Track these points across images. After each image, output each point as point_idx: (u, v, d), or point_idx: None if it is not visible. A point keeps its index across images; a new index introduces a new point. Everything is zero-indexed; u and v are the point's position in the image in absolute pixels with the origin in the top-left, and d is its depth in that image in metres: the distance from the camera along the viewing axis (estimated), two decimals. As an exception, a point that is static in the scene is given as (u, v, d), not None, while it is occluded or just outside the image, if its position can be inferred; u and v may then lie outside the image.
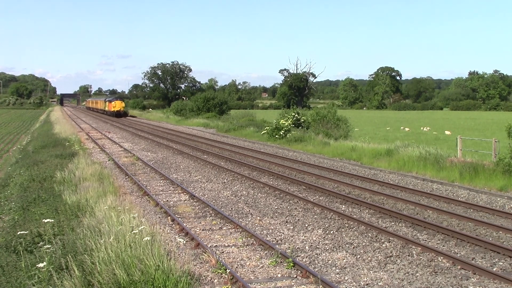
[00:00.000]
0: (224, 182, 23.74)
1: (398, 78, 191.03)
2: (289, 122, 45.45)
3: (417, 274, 11.78)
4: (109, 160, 31.82)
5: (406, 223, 16.13)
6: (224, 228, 15.91)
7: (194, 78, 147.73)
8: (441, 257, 12.78)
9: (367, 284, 11.22)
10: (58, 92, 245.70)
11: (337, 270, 12.09)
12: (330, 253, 13.41)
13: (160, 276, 9.91)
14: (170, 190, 22.08)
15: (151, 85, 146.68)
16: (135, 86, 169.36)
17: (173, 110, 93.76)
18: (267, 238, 14.61)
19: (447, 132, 55.19)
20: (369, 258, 12.92)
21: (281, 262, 12.44)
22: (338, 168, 27.92)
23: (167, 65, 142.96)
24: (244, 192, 21.39)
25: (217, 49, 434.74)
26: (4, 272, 10.84)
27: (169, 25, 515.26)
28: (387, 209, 17.50)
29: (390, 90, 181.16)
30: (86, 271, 10.35)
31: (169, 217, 17.05)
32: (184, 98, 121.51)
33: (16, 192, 20.78)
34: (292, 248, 13.62)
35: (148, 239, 10.96)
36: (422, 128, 64.89)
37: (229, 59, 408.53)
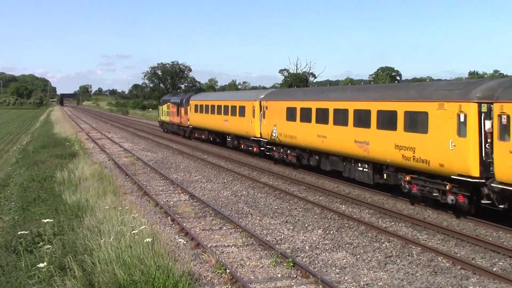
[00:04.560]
0: (224, 182, 23.75)
1: (398, 78, 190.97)
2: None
3: (417, 274, 11.79)
4: (109, 160, 31.83)
5: (406, 223, 16.13)
6: (224, 228, 15.91)
7: (194, 78, 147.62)
8: (441, 257, 12.79)
9: (367, 284, 11.23)
10: (58, 92, 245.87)
11: (337, 270, 12.10)
12: (330, 253, 13.42)
13: (160, 276, 9.92)
14: (170, 190, 22.08)
15: (151, 85, 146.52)
16: (135, 86, 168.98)
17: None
18: (267, 238, 14.61)
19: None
20: (369, 258, 12.92)
21: (281, 262, 12.44)
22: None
23: (167, 65, 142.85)
24: (244, 192, 21.40)
25: (217, 49, 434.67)
26: (4, 272, 10.84)
27: (169, 25, 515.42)
28: (387, 209, 17.50)
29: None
30: (86, 271, 10.36)
31: (169, 217, 17.06)
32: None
33: (16, 192, 20.79)
34: (292, 248, 13.62)
35: (149, 239, 10.97)
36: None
37: (229, 59, 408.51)
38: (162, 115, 54.28)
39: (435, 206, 17.18)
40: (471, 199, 15.26)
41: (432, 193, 16.48)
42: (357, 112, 19.97)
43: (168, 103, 50.68)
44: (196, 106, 41.31)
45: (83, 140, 45.49)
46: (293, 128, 24.92)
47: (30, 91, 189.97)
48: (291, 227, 15.88)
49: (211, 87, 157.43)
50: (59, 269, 10.52)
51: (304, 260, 12.79)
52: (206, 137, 39.98)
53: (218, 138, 38.00)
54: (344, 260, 12.80)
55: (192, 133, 43.62)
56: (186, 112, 43.96)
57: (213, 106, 37.17)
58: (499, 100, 13.96)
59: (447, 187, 15.64)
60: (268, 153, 28.63)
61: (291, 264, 12.12)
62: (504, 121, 13.73)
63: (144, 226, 12.09)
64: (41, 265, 10.13)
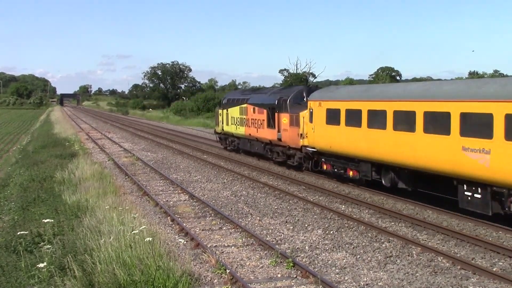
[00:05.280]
0: (224, 182, 23.75)
1: (398, 78, 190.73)
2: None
3: (417, 274, 11.79)
4: (109, 160, 31.83)
5: (406, 223, 16.13)
6: (224, 228, 15.92)
7: (194, 78, 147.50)
8: (441, 257, 12.79)
9: (367, 284, 11.23)
10: (58, 92, 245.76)
11: (337, 270, 12.10)
12: (330, 253, 13.42)
13: (160, 276, 9.93)
14: (170, 190, 22.08)
15: (151, 85, 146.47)
16: (135, 86, 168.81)
17: (173, 110, 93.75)
18: (267, 238, 14.62)
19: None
20: (369, 258, 12.92)
21: (281, 262, 12.45)
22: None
23: (167, 65, 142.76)
24: (244, 192, 21.40)
25: (217, 49, 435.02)
26: (4, 272, 10.85)
27: (169, 25, 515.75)
28: (387, 209, 17.50)
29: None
30: (86, 271, 10.37)
31: (169, 217, 17.07)
32: (184, 98, 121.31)
33: (16, 192, 20.81)
34: (292, 248, 13.63)
35: (150, 239, 10.98)
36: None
37: (229, 59, 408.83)
38: (227, 124, 33.90)
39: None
40: None
41: None
42: None
43: (245, 105, 30.71)
44: (330, 112, 21.65)
45: (83, 140, 45.51)
46: None
47: (30, 91, 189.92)
48: (291, 227, 15.88)
49: (211, 87, 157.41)
50: (59, 269, 10.54)
51: (304, 260, 12.79)
52: (367, 174, 19.91)
53: (409, 183, 18.41)
54: (344, 260, 12.80)
55: (311, 160, 24.19)
56: (294, 123, 24.62)
57: (404, 115, 17.37)
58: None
59: None
60: None
61: (291, 264, 12.12)
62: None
63: (144, 226, 12.10)
64: (41, 265, 10.14)
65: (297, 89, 27.02)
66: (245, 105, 30.77)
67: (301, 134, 24.06)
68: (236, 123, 32.06)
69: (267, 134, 27.61)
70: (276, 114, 26.52)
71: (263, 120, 28.06)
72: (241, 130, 31.25)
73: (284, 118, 25.75)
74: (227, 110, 33.82)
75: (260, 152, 29.50)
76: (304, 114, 23.90)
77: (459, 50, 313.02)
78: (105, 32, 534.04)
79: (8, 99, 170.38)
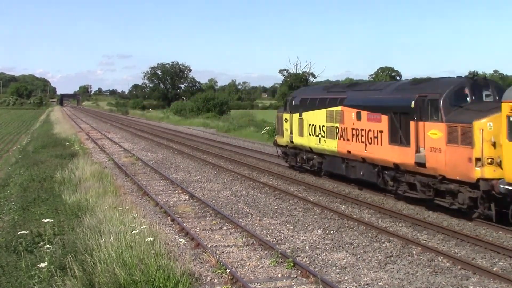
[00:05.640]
0: (224, 182, 23.75)
1: (398, 78, 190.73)
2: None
3: (417, 274, 11.79)
4: (109, 160, 31.83)
5: (406, 223, 16.13)
6: (224, 228, 15.93)
7: (194, 78, 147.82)
8: (441, 257, 12.80)
9: (367, 284, 11.23)
10: (58, 92, 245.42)
11: (337, 270, 12.11)
12: (330, 253, 13.42)
13: (160, 276, 9.94)
14: (170, 190, 22.09)
15: (151, 85, 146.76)
16: (135, 86, 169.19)
17: (173, 110, 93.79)
18: (267, 238, 14.62)
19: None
20: (369, 258, 12.93)
21: (281, 262, 12.45)
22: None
23: (167, 65, 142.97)
24: (244, 192, 21.40)
25: (217, 49, 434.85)
26: (4, 272, 10.86)
27: (169, 25, 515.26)
28: (387, 209, 17.50)
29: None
30: (86, 271, 10.38)
31: (169, 217, 17.08)
32: (184, 98, 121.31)
33: (16, 192, 20.80)
34: (292, 248, 13.63)
35: (151, 239, 10.99)
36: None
37: (229, 59, 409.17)
38: (300, 134, 24.45)
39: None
40: None
41: None
42: None
43: (338, 108, 21.28)
44: None
45: (83, 140, 45.50)
46: None
47: (30, 91, 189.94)
48: (291, 227, 15.89)
49: (211, 87, 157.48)
50: (59, 269, 10.55)
51: (304, 260, 12.80)
52: None
53: None
54: (344, 260, 12.81)
55: (495, 204, 14.74)
56: (460, 139, 15.19)
57: None
58: None
59: None
60: None
61: (291, 264, 12.13)
62: None
63: (144, 226, 12.11)
64: (42, 265, 10.16)
65: (455, 82, 16.75)
66: (338, 108, 21.24)
67: (476, 159, 14.75)
68: (319, 133, 22.64)
69: (390, 153, 18.11)
70: (412, 122, 16.96)
71: (380, 131, 18.65)
72: (330, 145, 21.84)
73: (434, 130, 16.19)
74: (300, 115, 24.34)
75: (368, 180, 19.97)
76: (482, 125, 14.70)
77: (459, 50, 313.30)
78: (105, 32, 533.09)
79: (8, 99, 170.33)
